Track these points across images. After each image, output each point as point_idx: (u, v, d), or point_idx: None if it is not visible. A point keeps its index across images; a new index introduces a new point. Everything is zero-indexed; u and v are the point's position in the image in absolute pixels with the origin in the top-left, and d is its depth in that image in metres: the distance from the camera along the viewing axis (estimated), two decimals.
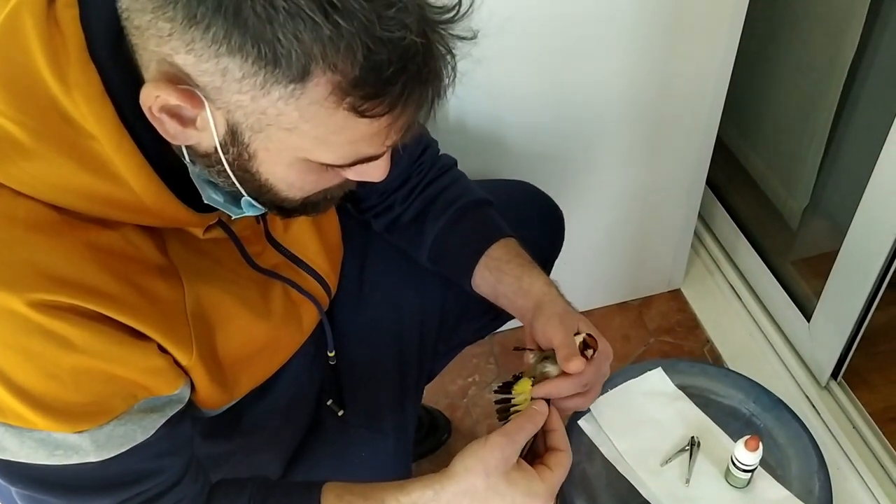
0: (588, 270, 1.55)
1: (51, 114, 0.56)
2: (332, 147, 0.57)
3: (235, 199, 0.64)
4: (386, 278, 1.01)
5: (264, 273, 0.76)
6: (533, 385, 0.83)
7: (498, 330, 1.19)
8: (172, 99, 0.53)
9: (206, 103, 0.54)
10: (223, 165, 0.59)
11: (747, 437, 0.90)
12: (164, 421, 0.66)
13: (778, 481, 0.95)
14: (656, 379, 1.04)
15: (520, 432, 0.74)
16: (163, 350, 0.65)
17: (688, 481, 0.95)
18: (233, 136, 0.56)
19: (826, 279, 1.37)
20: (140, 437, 0.64)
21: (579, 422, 1.02)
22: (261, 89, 0.52)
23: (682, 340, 1.60)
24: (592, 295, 1.62)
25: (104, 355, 0.59)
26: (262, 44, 0.50)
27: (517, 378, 0.87)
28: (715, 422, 1.00)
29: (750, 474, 0.93)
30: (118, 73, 0.56)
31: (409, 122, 0.57)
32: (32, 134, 0.56)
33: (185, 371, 0.68)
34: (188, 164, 0.61)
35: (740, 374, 1.06)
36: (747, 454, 0.90)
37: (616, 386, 1.04)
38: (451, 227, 0.94)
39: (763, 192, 1.65)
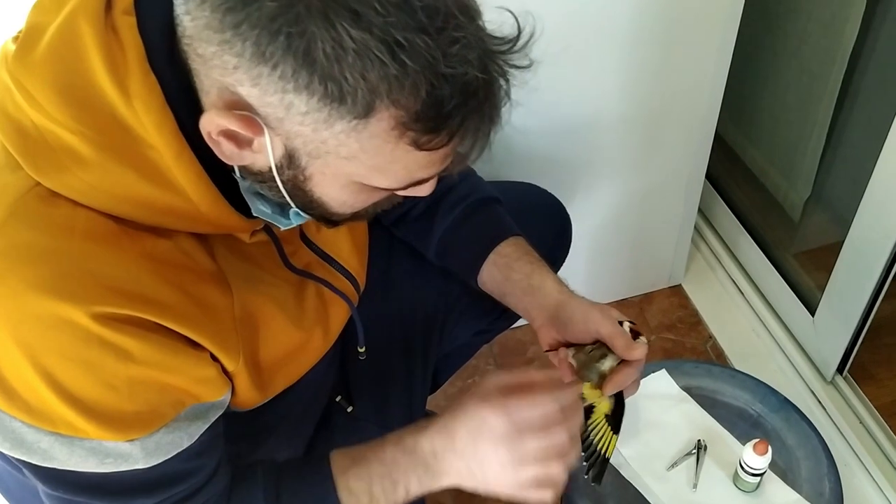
0: (588, 267, 1.53)
1: (110, 124, 0.56)
2: (388, 174, 0.57)
3: (284, 210, 0.65)
4: (403, 276, 1.00)
5: (299, 273, 0.76)
6: (595, 386, 0.81)
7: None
8: (233, 125, 0.54)
9: (265, 130, 0.54)
10: (276, 183, 0.59)
11: (756, 440, 0.88)
12: (207, 426, 0.66)
13: (787, 484, 0.92)
14: (661, 381, 1.02)
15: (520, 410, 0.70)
16: (213, 358, 0.65)
17: (695, 486, 0.93)
18: (289, 160, 0.57)
19: (830, 272, 1.34)
20: (186, 443, 0.65)
21: None
22: (324, 123, 0.52)
23: (683, 337, 1.57)
24: (592, 291, 1.58)
25: (160, 365, 0.60)
26: (330, 82, 0.50)
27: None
28: (721, 424, 0.98)
29: (759, 478, 0.91)
30: (175, 82, 0.56)
31: (467, 151, 0.57)
32: (91, 144, 0.55)
33: (229, 376, 0.68)
34: (238, 179, 0.62)
35: (747, 375, 1.04)
36: (756, 458, 0.88)
37: None
38: (461, 224, 0.93)
39: (763, 185, 1.63)
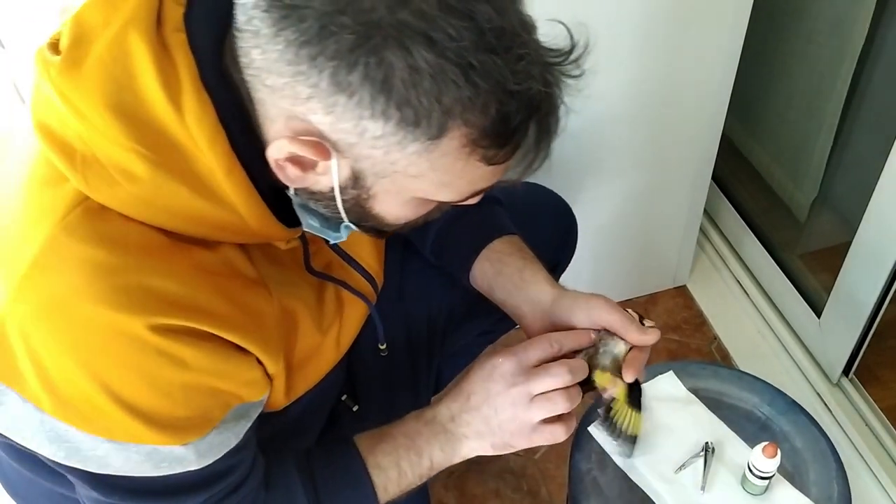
0: (592, 267, 1.52)
1: (161, 141, 0.56)
2: (453, 189, 0.59)
3: (334, 223, 0.66)
4: (415, 276, 1.01)
5: (318, 276, 0.77)
6: (613, 374, 0.82)
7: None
8: (302, 152, 0.55)
9: (333, 154, 0.56)
10: (335, 202, 0.61)
11: (765, 443, 0.87)
12: (250, 424, 0.69)
13: (795, 487, 0.92)
14: (667, 383, 1.01)
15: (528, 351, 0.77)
16: (258, 361, 0.67)
17: (703, 489, 0.93)
18: (355, 181, 0.58)
19: (836, 273, 1.34)
20: (234, 441, 0.67)
21: (590, 428, 0.99)
22: (396, 145, 0.54)
23: (688, 338, 1.57)
24: (596, 292, 1.58)
25: (213, 372, 0.62)
26: (405, 107, 0.52)
27: (588, 382, 0.83)
28: (729, 426, 0.97)
29: (768, 481, 0.90)
30: (225, 99, 0.57)
31: (530, 162, 0.59)
32: (144, 161, 0.56)
33: (269, 378, 0.71)
34: (292, 196, 0.63)
35: (754, 377, 1.03)
36: (765, 461, 0.87)
37: None
38: (455, 221, 0.93)
39: (769, 186, 1.63)
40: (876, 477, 1.32)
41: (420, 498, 0.94)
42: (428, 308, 1.01)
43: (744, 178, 1.66)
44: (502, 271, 0.89)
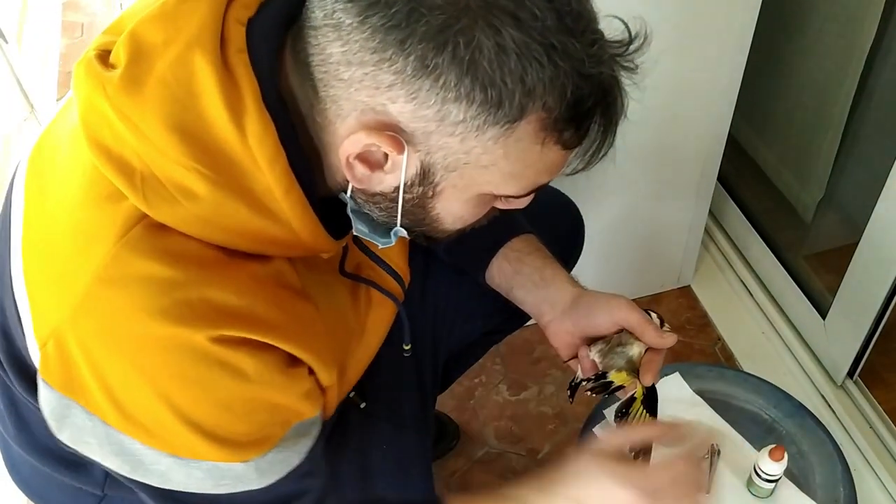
0: (596, 267, 1.50)
1: (221, 159, 0.57)
2: (520, 180, 0.60)
3: (384, 229, 0.66)
4: (433, 274, 1.00)
5: (350, 277, 0.77)
6: (629, 374, 0.82)
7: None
8: (380, 142, 0.55)
9: (406, 148, 0.56)
10: (394, 203, 0.61)
11: (772, 446, 0.86)
12: (312, 443, 0.68)
13: (801, 490, 0.91)
14: (673, 384, 1.01)
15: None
16: (310, 373, 0.67)
17: (708, 491, 0.92)
18: (423, 176, 0.59)
19: (841, 275, 1.33)
20: (296, 460, 0.66)
21: (595, 429, 0.99)
22: (475, 131, 0.54)
23: (692, 339, 1.55)
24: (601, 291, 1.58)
25: (272, 384, 0.62)
26: (491, 88, 0.52)
27: (604, 381, 0.84)
28: (735, 428, 0.97)
29: (774, 484, 0.89)
30: (283, 118, 0.58)
31: (597, 149, 0.60)
32: (205, 181, 0.56)
33: (322, 391, 0.70)
34: (347, 200, 0.64)
35: (760, 379, 1.02)
36: (772, 464, 0.87)
37: None
38: None
39: (775, 187, 1.61)
40: (880, 479, 1.32)
41: (426, 493, 0.93)
42: (434, 306, 1.01)
43: (749, 179, 1.66)
44: (521, 270, 0.90)
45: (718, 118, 1.33)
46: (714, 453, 0.95)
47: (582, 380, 0.86)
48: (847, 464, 0.93)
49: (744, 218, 1.60)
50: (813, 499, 0.91)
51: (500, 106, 0.53)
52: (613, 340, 0.84)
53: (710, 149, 1.38)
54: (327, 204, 0.63)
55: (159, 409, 0.59)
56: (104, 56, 0.59)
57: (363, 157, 0.57)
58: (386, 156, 0.57)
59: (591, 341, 0.86)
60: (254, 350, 0.60)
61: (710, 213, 1.57)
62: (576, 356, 0.87)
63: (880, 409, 1.36)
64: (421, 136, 0.55)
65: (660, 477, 0.74)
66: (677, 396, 0.99)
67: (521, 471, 1.41)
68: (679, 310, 1.61)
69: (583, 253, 1.13)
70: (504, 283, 0.91)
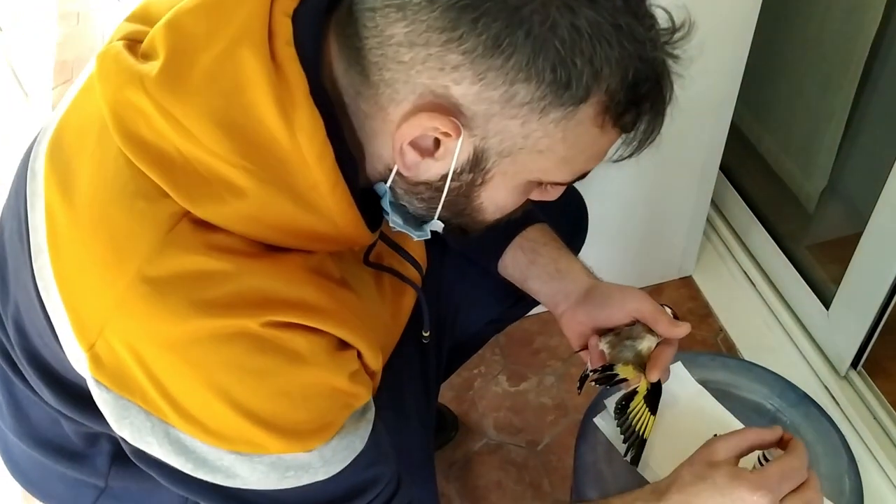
0: (596, 257, 1.47)
1: (267, 155, 0.55)
2: (571, 166, 0.59)
3: (419, 221, 0.66)
4: (447, 263, 1.00)
5: (375, 267, 0.76)
6: (635, 368, 0.81)
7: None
8: (438, 125, 0.54)
9: (463, 132, 0.55)
10: (438, 193, 0.60)
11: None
12: (371, 427, 0.66)
13: None
14: (676, 374, 0.99)
15: (741, 437, 0.79)
16: (358, 356, 0.66)
17: None
18: (475, 162, 0.58)
19: (845, 264, 1.32)
20: (359, 445, 0.65)
21: (595, 419, 0.97)
22: (538, 113, 0.54)
23: (694, 329, 1.46)
24: None
25: (327, 366, 0.60)
26: (561, 68, 0.51)
27: (609, 373, 0.83)
28: (738, 418, 0.95)
29: None
30: (330, 112, 0.57)
31: (647, 135, 0.60)
32: (252, 177, 0.55)
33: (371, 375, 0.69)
34: (385, 192, 0.63)
35: (764, 368, 1.01)
36: (777, 454, 0.85)
37: None
38: None
39: (777, 176, 1.60)
40: (884, 471, 1.30)
41: (427, 484, 0.93)
42: (442, 294, 1.00)
43: (752, 168, 1.64)
44: (537, 261, 0.90)
45: (721, 106, 1.31)
46: None
47: (589, 370, 0.85)
48: (853, 454, 0.91)
49: (746, 207, 1.59)
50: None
51: (567, 87, 0.52)
52: (624, 333, 0.83)
53: (713, 137, 1.37)
54: (363, 196, 0.62)
55: (216, 404, 0.57)
56: (133, 46, 0.58)
57: (415, 143, 0.56)
58: (438, 142, 0.56)
59: (602, 332, 0.85)
60: (306, 333, 0.59)
61: (712, 202, 1.56)
62: (586, 347, 0.87)
63: (884, 400, 1.34)
64: (481, 120, 0.54)
65: (776, 475, 0.74)
66: (680, 386, 0.98)
67: (520, 462, 1.39)
68: (680, 300, 1.59)
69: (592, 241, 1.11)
70: (518, 274, 0.91)
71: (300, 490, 0.62)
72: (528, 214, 0.92)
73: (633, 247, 1.54)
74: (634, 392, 0.85)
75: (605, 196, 1.35)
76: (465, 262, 0.99)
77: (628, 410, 0.86)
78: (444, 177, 0.59)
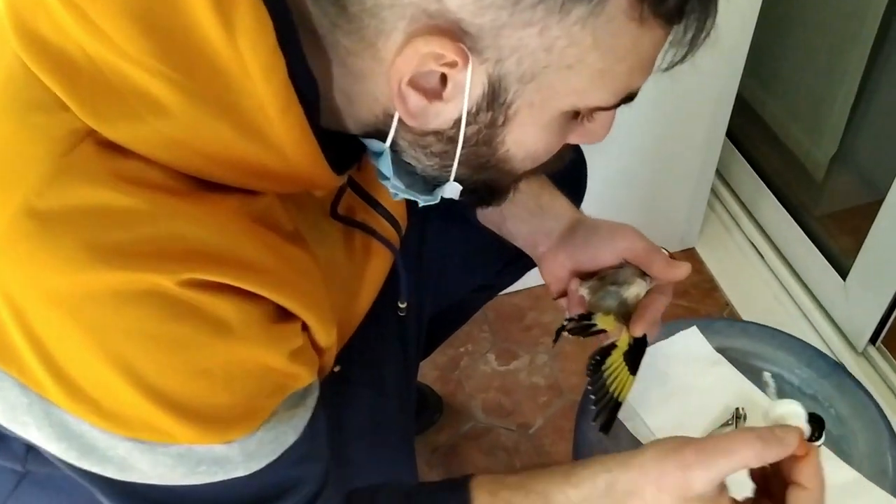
0: None
1: (202, 65, 0.45)
2: (612, 81, 0.49)
3: (429, 183, 0.57)
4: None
5: (344, 221, 0.66)
6: (613, 316, 0.69)
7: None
8: (444, 50, 0.44)
9: (470, 59, 0.45)
10: (452, 144, 0.51)
11: (809, 412, 0.73)
12: (309, 416, 0.57)
13: (843, 459, 0.79)
14: (691, 340, 0.88)
15: (729, 459, 0.54)
16: (303, 329, 0.56)
17: None
18: (491, 97, 0.48)
19: (857, 235, 1.25)
20: (291, 437, 0.55)
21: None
22: (557, 13, 0.44)
23: (698, 304, 1.47)
24: None
25: (261, 340, 0.50)
26: None
27: (586, 322, 0.70)
28: (763, 390, 0.84)
29: None
30: (283, 16, 0.46)
31: (690, 42, 0.49)
32: (178, 90, 0.45)
33: (318, 353, 0.59)
34: (386, 151, 0.53)
35: (789, 335, 0.90)
36: (809, 431, 0.74)
37: None
38: None
39: (783, 142, 1.53)
40: None
41: (406, 468, 0.84)
42: (423, 255, 0.90)
43: (754, 134, 1.57)
44: (516, 198, 0.78)
45: (728, 69, 1.24)
46: (739, 418, 0.82)
47: (565, 319, 0.72)
48: (893, 430, 0.80)
49: (754, 174, 1.51)
50: (858, 470, 0.78)
51: None
52: (609, 277, 0.71)
53: (720, 102, 1.29)
54: (329, 137, 0.52)
55: (113, 379, 0.46)
56: None
57: (417, 83, 0.47)
58: (444, 78, 0.47)
59: (586, 277, 0.74)
60: (237, 298, 0.48)
61: (717, 170, 1.49)
62: (566, 294, 0.76)
63: None
64: (489, 37, 0.44)
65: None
66: (695, 353, 0.87)
67: (510, 447, 1.29)
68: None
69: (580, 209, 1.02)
70: (496, 215, 0.81)
71: (212, 487, 0.51)
72: None
73: (631, 216, 1.41)
74: (613, 346, 0.72)
75: (605, 162, 1.28)
76: (449, 219, 0.89)
77: (603, 368, 0.72)
78: (458, 121, 0.49)
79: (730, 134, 1.49)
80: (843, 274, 1.32)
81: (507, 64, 0.46)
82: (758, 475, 0.60)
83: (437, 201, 0.57)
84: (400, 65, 0.45)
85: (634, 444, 0.82)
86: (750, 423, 0.82)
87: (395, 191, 0.56)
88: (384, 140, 0.52)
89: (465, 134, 0.50)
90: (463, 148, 0.51)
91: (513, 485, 0.60)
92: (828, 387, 0.84)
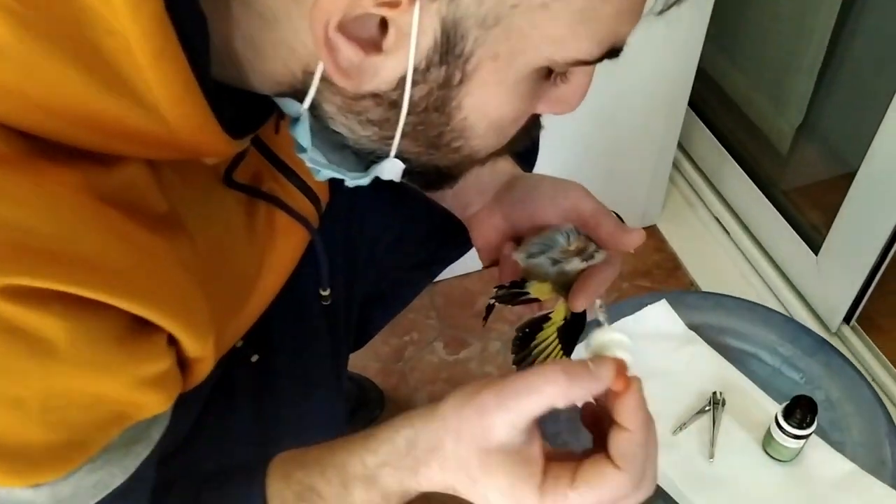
0: None
1: None
2: (595, 25, 0.41)
3: (361, 158, 0.49)
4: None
5: (243, 190, 0.57)
6: (555, 288, 0.58)
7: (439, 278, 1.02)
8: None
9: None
10: (393, 109, 0.43)
11: (798, 395, 0.64)
12: (148, 453, 0.49)
13: (836, 449, 0.69)
14: (660, 315, 0.78)
15: (530, 398, 0.46)
16: (169, 343, 0.47)
17: (712, 456, 0.69)
18: (445, 48, 0.40)
19: (826, 210, 1.21)
20: (117, 480, 0.47)
21: None
22: None
23: (661, 284, 1.40)
24: None
25: (96, 363, 0.42)
26: None
27: (517, 291, 0.59)
28: (741, 370, 0.74)
29: (801, 443, 0.66)
30: None
31: None
32: (10, 19, 0.36)
33: (186, 366, 0.50)
34: (304, 115, 0.45)
35: (769, 308, 0.81)
36: (800, 418, 0.64)
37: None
38: None
39: (745, 113, 1.49)
40: None
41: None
42: (351, 231, 0.81)
43: (715, 105, 1.52)
44: None
45: (689, 35, 1.18)
46: (717, 404, 0.71)
47: (495, 287, 0.61)
48: (890, 415, 0.70)
49: (718, 145, 1.45)
50: (853, 461, 0.68)
51: None
52: (549, 239, 0.59)
53: (681, 70, 1.25)
54: (228, 92, 0.45)
55: None
56: None
57: (349, 30, 0.38)
58: (384, 24, 0.39)
59: (522, 241, 0.63)
60: (71, 309, 0.39)
61: (679, 142, 1.43)
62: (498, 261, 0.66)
63: (883, 357, 1.21)
64: None
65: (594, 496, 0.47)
66: (665, 331, 0.76)
67: None
68: (645, 252, 1.44)
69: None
70: None
71: None
72: None
73: (590, 191, 1.37)
74: (546, 319, 0.61)
75: (559, 134, 1.21)
76: (380, 187, 0.78)
77: (532, 344, 0.61)
78: (402, 80, 0.41)
79: (692, 104, 1.44)
80: (815, 249, 1.26)
81: (464, 3, 0.38)
82: (589, 419, 0.50)
83: (367, 182, 0.48)
84: (326, 4, 0.37)
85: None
86: (729, 409, 0.71)
87: (315, 166, 0.47)
88: (301, 101, 0.43)
89: (411, 97, 0.41)
90: (409, 115, 0.43)
91: (310, 462, 0.53)
92: (815, 366, 0.75)
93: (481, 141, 0.46)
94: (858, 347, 1.23)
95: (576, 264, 0.58)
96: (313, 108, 0.44)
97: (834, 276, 1.22)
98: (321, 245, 0.66)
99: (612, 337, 0.50)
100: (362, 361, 1.30)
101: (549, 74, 0.44)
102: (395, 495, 0.50)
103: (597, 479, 0.46)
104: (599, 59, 0.43)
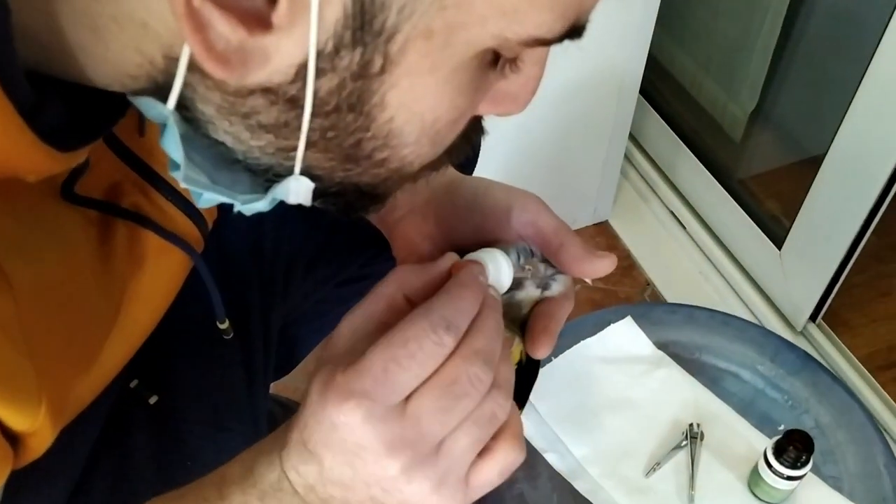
0: None
1: None
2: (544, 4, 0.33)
3: (258, 176, 0.39)
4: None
5: (91, 206, 0.48)
6: (505, 324, 0.46)
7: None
8: None
9: None
10: (292, 109, 0.33)
11: (790, 429, 0.55)
12: None
13: (831, 485, 0.60)
14: (625, 334, 0.69)
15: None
16: None
17: (692, 500, 0.60)
18: (359, 23, 0.31)
19: (785, 199, 1.20)
20: None
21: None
22: None
23: (615, 285, 1.35)
24: None
25: None
26: None
27: None
28: (717, 395, 0.65)
29: (795, 483, 0.57)
30: None
31: None
32: None
33: (14, 441, 0.42)
34: (169, 118, 0.34)
35: (745, 321, 0.72)
36: (792, 456, 0.55)
37: (562, 351, 0.66)
38: None
39: (695, 99, 1.44)
40: None
41: None
42: (257, 249, 0.72)
43: (670, 91, 1.47)
44: None
45: (639, 15, 1.14)
46: (694, 438, 0.62)
47: None
48: (888, 442, 0.62)
49: (672, 134, 1.39)
50: (849, 497, 0.59)
51: None
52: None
53: (630, 57, 1.21)
54: (65, 88, 0.36)
55: None
56: None
57: (228, 3, 0.29)
58: None
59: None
60: None
61: (630, 133, 1.38)
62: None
63: (851, 356, 1.17)
64: None
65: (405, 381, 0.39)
66: (633, 353, 0.67)
67: None
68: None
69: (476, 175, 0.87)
70: None
71: None
72: None
73: (535, 187, 1.28)
74: None
75: (497, 122, 1.13)
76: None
77: None
78: (303, 69, 0.32)
79: (643, 92, 1.39)
80: (779, 243, 1.20)
81: None
82: None
83: (265, 207, 0.39)
84: None
85: (560, 482, 0.61)
86: (709, 442, 0.62)
87: (194, 187, 0.37)
88: (165, 101, 0.33)
89: (315, 92, 0.32)
90: (314, 117, 0.34)
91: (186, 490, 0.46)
92: (799, 386, 0.66)
93: (412, 150, 0.37)
94: (826, 347, 1.18)
95: (531, 292, 0.48)
96: (184, 109, 0.34)
97: (798, 272, 1.18)
98: (206, 270, 0.57)
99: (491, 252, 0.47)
100: (294, 382, 1.19)
101: (495, 62, 0.36)
102: None
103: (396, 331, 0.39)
104: (560, 39, 0.35)
